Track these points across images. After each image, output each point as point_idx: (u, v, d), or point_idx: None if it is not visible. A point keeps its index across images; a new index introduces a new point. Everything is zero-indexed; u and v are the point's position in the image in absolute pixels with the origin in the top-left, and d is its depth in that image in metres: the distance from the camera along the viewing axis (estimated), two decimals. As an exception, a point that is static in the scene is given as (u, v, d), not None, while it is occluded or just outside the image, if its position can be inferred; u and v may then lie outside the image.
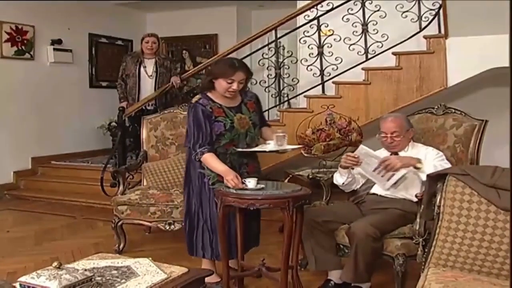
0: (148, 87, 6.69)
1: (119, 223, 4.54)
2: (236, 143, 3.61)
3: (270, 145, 3.61)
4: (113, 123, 7.60)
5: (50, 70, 7.79)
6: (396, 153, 3.67)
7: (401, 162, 3.46)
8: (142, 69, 6.68)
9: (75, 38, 8.18)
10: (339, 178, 3.83)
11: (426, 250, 2.91)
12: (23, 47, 7.39)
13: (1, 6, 7.02)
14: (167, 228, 4.37)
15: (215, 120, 3.56)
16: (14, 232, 5.43)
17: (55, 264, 2.26)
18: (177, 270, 2.64)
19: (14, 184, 7.38)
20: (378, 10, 5.54)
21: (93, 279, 2.32)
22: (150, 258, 2.74)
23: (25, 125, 7.44)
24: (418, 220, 3.21)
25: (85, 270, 2.43)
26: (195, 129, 3.55)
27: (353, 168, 3.74)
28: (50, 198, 6.90)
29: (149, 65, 6.70)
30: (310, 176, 4.75)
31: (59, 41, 7.85)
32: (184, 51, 9.50)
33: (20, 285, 2.23)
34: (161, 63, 6.72)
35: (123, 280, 2.44)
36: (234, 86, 3.53)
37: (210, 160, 3.52)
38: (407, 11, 5.46)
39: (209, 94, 3.63)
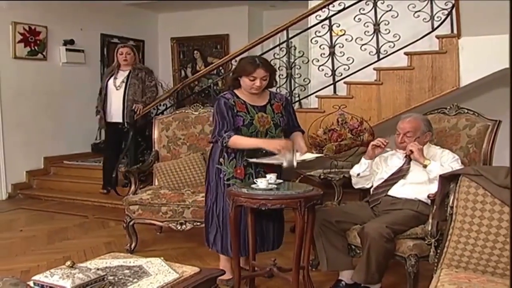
0: (114, 99, 6.44)
1: (131, 223, 4.55)
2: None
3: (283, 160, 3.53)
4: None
5: (63, 70, 7.83)
6: (409, 155, 3.67)
7: (417, 152, 3.51)
8: (111, 81, 6.44)
9: (87, 39, 8.22)
10: (357, 168, 3.86)
11: (438, 251, 2.90)
12: (36, 47, 7.44)
13: (14, 7, 7.08)
14: (179, 228, 4.38)
15: (236, 114, 3.64)
16: (27, 231, 5.47)
17: (68, 263, 2.28)
18: (189, 270, 2.64)
19: (27, 184, 7.42)
20: (390, 10, 5.50)
21: (105, 278, 2.34)
22: (162, 258, 2.75)
23: (37, 125, 7.49)
24: (430, 220, 3.20)
25: (98, 269, 2.44)
26: (219, 118, 3.64)
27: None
28: (62, 197, 6.94)
29: (120, 77, 6.44)
30: (322, 177, 4.74)
31: (71, 42, 7.89)
32: (195, 51, 9.52)
33: (34, 283, 2.25)
34: (135, 74, 6.40)
35: (135, 280, 2.45)
36: (257, 83, 3.60)
37: (240, 139, 3.59)
38: (419, 10, 5.42)
39: (235, 91, 3.74)
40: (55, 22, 7.67)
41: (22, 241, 5.08)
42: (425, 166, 3.47)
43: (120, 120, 6.43)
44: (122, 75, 6.42)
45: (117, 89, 6.39)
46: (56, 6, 7.60)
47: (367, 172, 3.81)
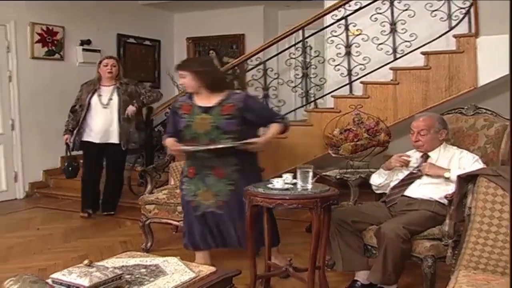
0: (100, 118, 5.74)
1: (147, 222, 4.56)
2: (197, 142, 3.73)
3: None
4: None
5: (79, 70, 7.84)
6: (426, 154, 3.65)
7: (432, 171, 3.51)
8: (95, 98, 5.74)
9: (104, 39, 8.26)
10: (378, 179, 3.85)
11: (456, 252, 2.88)
12: (53, 47, 7.50)
13: (32, 7, 7.15)
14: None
15: (180, 117, 3.78)
16: (44, 229, 5.51)
17: (86, 261, 2.30)
18: (205, 269, 2.65)
19: (44, 183, 7.49)
20: (406, 10, 5.47)
21: (122, 277, 2.34)
22: (179, 257, 2.75)
23: (54, 124, 7.48)
24: (447, 221, 3.17)
25: (115, 268, 2.45)
26: (168, 121, 3.94)
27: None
28: (78, 196, 6.94)
29: (105, 93, 5.75)
30: (338, 177, 4.72)
31: (88, 42, 7.94)
32: (211, 51, 9.51)
33: (52, 281, 2.26)
34: (123, 89, 5.77)
35: (152, 279, 2.45)
36: (180, 81, 3.78)
37: (166, 141, 3.87)
38: (436, 10, 5.38)
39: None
40: (72, 22, 7.73)
41: (39, 240, 5.12)
42: (447, 178, 3.43)
43: (108, 141, 5.79)
44: (106, 91, 5.76)
45: (104, 107, 5.73)
46: (73, 7, 7.65)
47: (387, 180, 3.80)
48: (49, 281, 2.27)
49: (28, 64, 7.22)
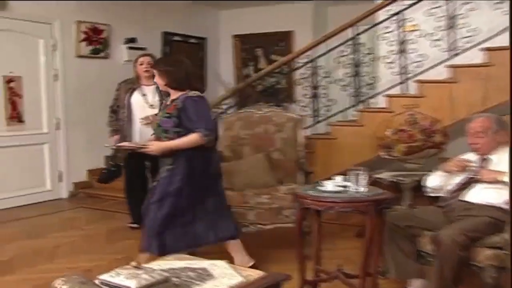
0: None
1: (192, 224, 4.48)
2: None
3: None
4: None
5: (124, 69, 7.80)
6: (485, 157, 3.48)
7: (489, 178, 3.35)
8: (137, 97, 5.32)
9: (149, 37, 8.24)
10: (433, 181, 3.68)
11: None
12: (98, 46, 7.53)
13: (78, 5, 7.19)
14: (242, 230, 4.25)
15: None
16: (87, 229, 5.53)
17: (133, 263, 2.30)
18: (254, 274, 2.59)
19: (88, 182, 7.48)
20: (466, 3, 5.24)
21: (169, 280, 2.31)
22: (227, 261, 2.70)
23: (98, 124, 7.48)
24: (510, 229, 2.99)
25: (162, 270, 2.41)
26: None
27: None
28: (122, 197, 6.91)
29: (149, 93, 5.31)
30: (391, 179, 4.56)
31: (133, 40, 7.94)
32: (257, 49, 9.38)
33: (101, 282, 2.25)
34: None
35: (199, 282, 2.41)
36: (155, 79, 3.96)
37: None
38: (499, 2, 5.14)
39: None
40: (117, 20, 7.75)
41: (83, 240, 5.14)
42: (503, 182, 3.26)
43: None
44: (149, 90, 5.32)
45: (150, 108, 5.22)
46: (118, 5, 7.66)
47: (443, 183, 3.64)
48: (97, 282, 2.26)
49: (74, 63, 7.26)
